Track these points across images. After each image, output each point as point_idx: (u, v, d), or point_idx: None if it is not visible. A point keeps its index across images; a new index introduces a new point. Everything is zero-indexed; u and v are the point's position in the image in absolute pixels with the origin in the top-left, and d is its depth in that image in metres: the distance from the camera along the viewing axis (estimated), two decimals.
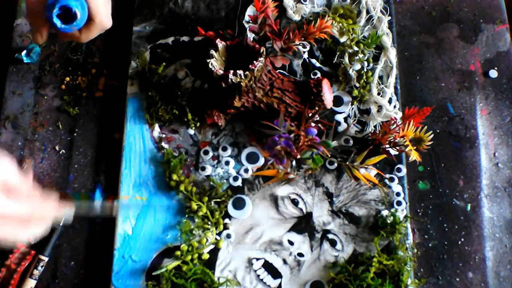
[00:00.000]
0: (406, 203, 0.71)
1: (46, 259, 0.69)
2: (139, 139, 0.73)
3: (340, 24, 0.78)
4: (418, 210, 0.72)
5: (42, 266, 0.69)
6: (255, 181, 0.72)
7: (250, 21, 0.73)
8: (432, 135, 0.68)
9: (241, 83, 0.66)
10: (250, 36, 0.76)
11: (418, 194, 0.73)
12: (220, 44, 0.69)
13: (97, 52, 0.80)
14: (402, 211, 0.70)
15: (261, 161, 0.73)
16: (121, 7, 0.80)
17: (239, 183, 0.72)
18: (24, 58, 0.78)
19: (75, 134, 0.76)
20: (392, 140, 0.69)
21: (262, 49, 0.68)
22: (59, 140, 0.76)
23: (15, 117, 0.77)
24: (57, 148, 0.76)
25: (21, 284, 0.68)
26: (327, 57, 0.77)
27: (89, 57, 0.80)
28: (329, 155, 0.71)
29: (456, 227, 0.71)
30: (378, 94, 0.75)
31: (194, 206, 0.69)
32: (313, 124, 0.69)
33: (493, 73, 0.78)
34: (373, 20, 0.78)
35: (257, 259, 0.69)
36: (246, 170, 0.72)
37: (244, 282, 0.68)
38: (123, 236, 0.69)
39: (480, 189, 0.73)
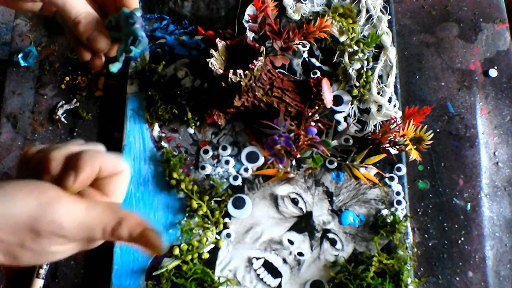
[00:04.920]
0: (406, 202, 0.71)
1: None
2: (138, 139, 0.73)
3: (340, 23, 0.78)
4: (418, 209, 0.72)
5: (47, 265, 0.69)
6: (255, 180, 0.72)
7: (250, 21, 0.73)
8: (432, 134, 0.68)
9: (241, 83, 0.66)
10: (250, 35, 0.76)
11: (418, 193, 0.73)
12: (220, 43, 0.69)
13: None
14: (402, 210, 0.70)
15: (261, 160, 0.72)
16: None
17: (239, 182, 0.72)
18: (21, 62, 0.78)
19: (75, 134, 0.76)
20: (392, 139, 0.69)
21: (262, 48, 0.68)
22: (59, 139, 0.76)
23: (15, 117, 0.77)
24: None
25: (29, 285, 0.69)
26: (327, 56, 0.77)
27: None
28: (329, 154, 0.71)
29: (456, 226, 0.71)
30: (378, 93, 0.75)
31: (195, 205, 0.69)
32: (313, 124, 0.68)
33: (493, 72, 0.78)
34: (373, 19, 0.78)
35: (257, 259, 0.69)
36: (246, 170, 0.72)
37: (244, 282, 0.68)
38: None
39: (480, 188, 0.73)
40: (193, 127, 0.74)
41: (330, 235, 0.69)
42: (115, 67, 0.52)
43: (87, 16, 0.50)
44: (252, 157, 0.73)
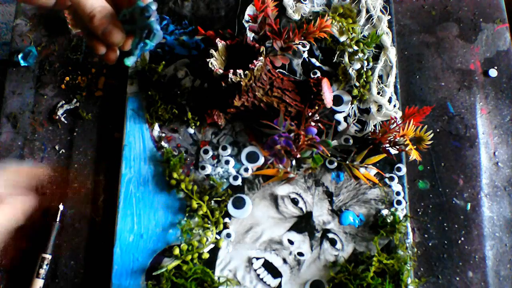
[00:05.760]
0: (406, 202, 0.71)
1: (49, 257, 0.70)
2: (139, 139, 0.73)
3: (340, 23, 0.78)
4: (418, 209, 0.72)
5: (47, 265, 0.69)
6: (255, 180, 0.72)
7: (250, 21, 0.73)
8: (432, 134, 0.68)
9: (241, 83, 0.66)
10: (250, 35, 0.76)
11: (418, 193, 0.73)
12: (220, 43, 0.69)
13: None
14: (402, 210, 0.70)
15: (261, 160, 0.72)
16: None
17: (239, 182, 0.72)
18: (21, 62, 0.78)
19: (75, 134, 0.76)
20: (392, 139, 0.69)
21: (262, 48, 0.68)
22: (59, 139, 0.76)
23: (15, 117, 0.77)
24: (57, 147, 0.76)
25: (29, 285, 0.69)
26: (327, 57, 0.77)
27: (89, 56, 0.80)
28: (329, 155, 0.71)
29: (456, 226, 0.71)
30: (378, 93, 0.75)
31: (195, 205, 0.69)
32: (313, 124, 0.68)
33: (493, 72, 0.78)
34: (373, 19, 0.78)
35: (257, 259, 0.69)
36: (246, 170, 0.72)
37: (244, 282, 0.68)
38: (123, 236, 0.69)
39: (480, 188, 0.73)
40: (193, 127, 0.74)
41: (330, 235, 0.69)
42: (130, 61, 0.52)
43: (102, 10, 0.50)
44: (252, 157, 0.73)
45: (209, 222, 0.69)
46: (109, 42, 0.51)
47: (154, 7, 0.49)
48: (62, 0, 0.50)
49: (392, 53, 0.76)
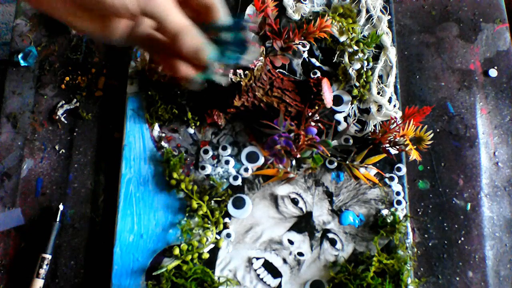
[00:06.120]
0: (406, 202, 0.71)
1: (49, 257, 0.70)
2: (138, 139, 0.73)
3: (340, 23, 0.78)
4: (418, 209, 0.72)
5: (47, 265, 0.69)
6: (255, 180, 0.72)
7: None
8: (432, 134, 0.68)
9: (241, 83, 0.66)
10: (250, 35, 0.76)
11: (418, 193, 0.73)
12: None
13: (97, 51, 0.81)
14: (402, 210, 0.70)
15: (261, 160, 0.73)
16: None
17: (239, 182, 0.72)
18: (21, 62, 0.78)
19: (75, 134, 0.76)
20: (392, 139, 0.69)
21: (262, 48, 0.68)
22: (59, 139, 0.76)
23: (15, 117, 0.77)
24: (57, 147, 0.76)
25: (29, 285, 0.69)
26: (327, 57, 0.77)
27: (89, 56, 0.80)
28: (329, 155, 0.71)
29: (456, 226, 0.71)
30: (378, 93, 0.75)
31: (195, 205, 0.69)
32: (313, 124, 0.68)
33: (493, 72, 0.78)
34: (373, 19, 0.78)
35: (257, 259, 0.69)
36: (246, 170, 0.72)
37: (244, 282, 0.68)
38: (123, 236, 0.69)
39: (480, 188, 0.73)
40: (193, 127, 0.74)
41: (330, 235, 0.69)
42: (222, 79, 0.49)
43: (187, 28, 0.47)
44: (252, 157, 0.73)
45: (209, 222, 0.69)
46: (199, 60, 0.48)
47: (252, 19, 0.47)
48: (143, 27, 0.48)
49: (392, 53, 0.76)
